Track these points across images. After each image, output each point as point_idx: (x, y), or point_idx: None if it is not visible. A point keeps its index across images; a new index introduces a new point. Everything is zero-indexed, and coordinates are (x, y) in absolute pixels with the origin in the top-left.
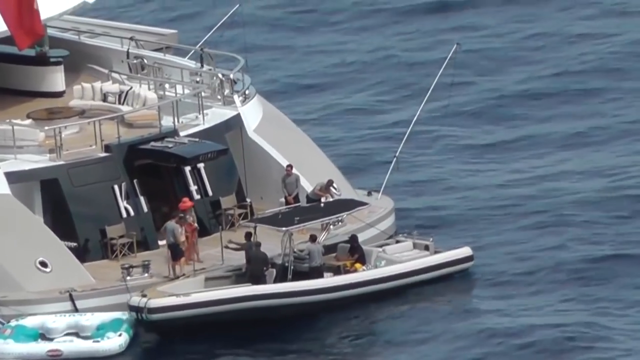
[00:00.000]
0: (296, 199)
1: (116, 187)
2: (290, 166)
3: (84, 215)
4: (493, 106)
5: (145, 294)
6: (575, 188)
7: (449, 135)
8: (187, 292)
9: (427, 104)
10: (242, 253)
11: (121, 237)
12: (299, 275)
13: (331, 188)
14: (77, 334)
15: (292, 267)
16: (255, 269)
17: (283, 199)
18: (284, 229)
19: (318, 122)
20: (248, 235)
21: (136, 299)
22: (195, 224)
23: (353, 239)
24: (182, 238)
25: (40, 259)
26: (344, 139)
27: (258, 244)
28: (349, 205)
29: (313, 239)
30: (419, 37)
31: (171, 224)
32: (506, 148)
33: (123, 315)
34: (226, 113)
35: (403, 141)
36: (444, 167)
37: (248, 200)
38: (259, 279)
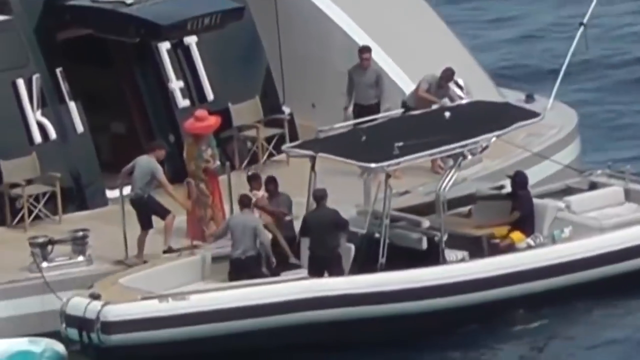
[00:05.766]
0: (373, 110)
1: (21, 83)
2: (366, 49)
3: None
4: None
5: (97, 292)
6: None
7: None
8: (179, 290)
9: None
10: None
11: (30, 182)
12: (397, 257)
13: (451, 85)
14: None
15: (386, 240)
16: (318, 244)
17: (350, 109)
18: (372, 165)
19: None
20: (270, 181)
21: (79, 302)
22: (217, 162)
23: (519, 178)
24: (187, 202)
25: None
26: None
27: (320, 194)
28: (502, 113)
29: (244, 203)
30: None
31: (145, 159)
32: None
33: (32, 344)
34: None
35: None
36: None
37: (286, 110)
38: (325, 264)
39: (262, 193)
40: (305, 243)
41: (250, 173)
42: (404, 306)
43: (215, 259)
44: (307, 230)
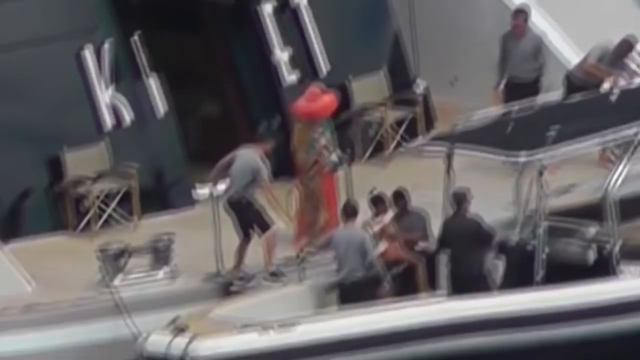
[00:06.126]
0: (530, 87)
1: (87, 54)
2: (521, 12)
3: (10, 124)
4: None
5: (183, 324)
6: None
7: None
8: (286, 318)
9: None
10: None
11: (99, 178)
12: (557, 273)
13: (628, 60)
14: None
15: (543, 251)
16: (458, 259)
17: (501, 86)
18: (521, 158)
19: None
20: (399, 196)
21: (160, 338)
22: (333, 155)
23: None
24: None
25: None
26: None
27: (460, 197)
28: None
29: (348, 213)
30: None
31: (248, 154)
32: None
33: None
34: None
35: None
36: None
37: (420, 84)
38: (466, 284)
39: (389, 217)
40: (443, 258)
41: (372, 195)
42: (569, 331)
43: (331, 286)
44: (445, 242)
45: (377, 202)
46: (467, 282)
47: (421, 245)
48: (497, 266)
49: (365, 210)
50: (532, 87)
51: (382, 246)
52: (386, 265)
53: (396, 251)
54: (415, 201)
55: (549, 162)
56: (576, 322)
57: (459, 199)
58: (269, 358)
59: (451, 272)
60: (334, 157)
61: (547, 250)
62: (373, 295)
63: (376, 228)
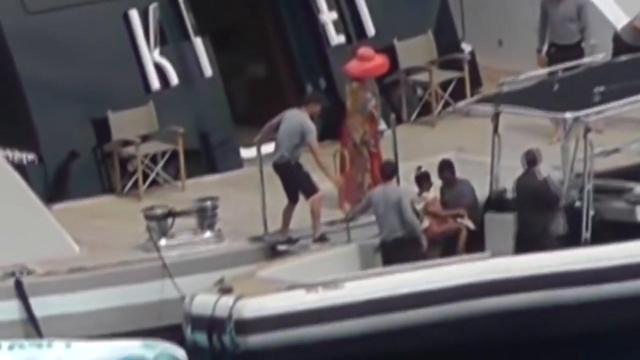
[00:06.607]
0: (574, 50)
1: (134, 14)
2: None
3: (57, 85)
4: None
5: (228, 285)
6: None
7: None
8: (332, 278)
9: None
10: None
11: (146, 139)
12: (603, 232)
13: None
14: None
15: (590, 210)
16: (523, 219)
17: (544, 49)
18: (567, 115)
19: None
20: (445, 167)
21: (206, 299)
22: (382, 125)
23: None
24: (339, 177)
25: None
26: None
27: (533, 158)
28: None
29: (386, 173)
30: None
31: (296, 114)
32: None
33: (146, 349)
34: None
35: None
36: None
37: (466, 47)
38: (534, 240)
39: (432, 195)
40: (491, 220)
41: (418, 172)
42: (616, 288)
43: (376, 247)
44: (514, 200)
45: (423, 180)
46: (533, 242)
47: (465, 222)
48: (561, 227)
49: (406, 171)
50: (575, 50)
51: (426, 222)
52: (430, 240)
53: (440, 227)
54: (459, 166)
55: (595, 121)
56: (623, 279)
57: (530, 160)
58: (314, 318)
59: (518, 231)
60: (382, 128)
61: (593, 210)
62: (414, 255)
63: (420, 206)
